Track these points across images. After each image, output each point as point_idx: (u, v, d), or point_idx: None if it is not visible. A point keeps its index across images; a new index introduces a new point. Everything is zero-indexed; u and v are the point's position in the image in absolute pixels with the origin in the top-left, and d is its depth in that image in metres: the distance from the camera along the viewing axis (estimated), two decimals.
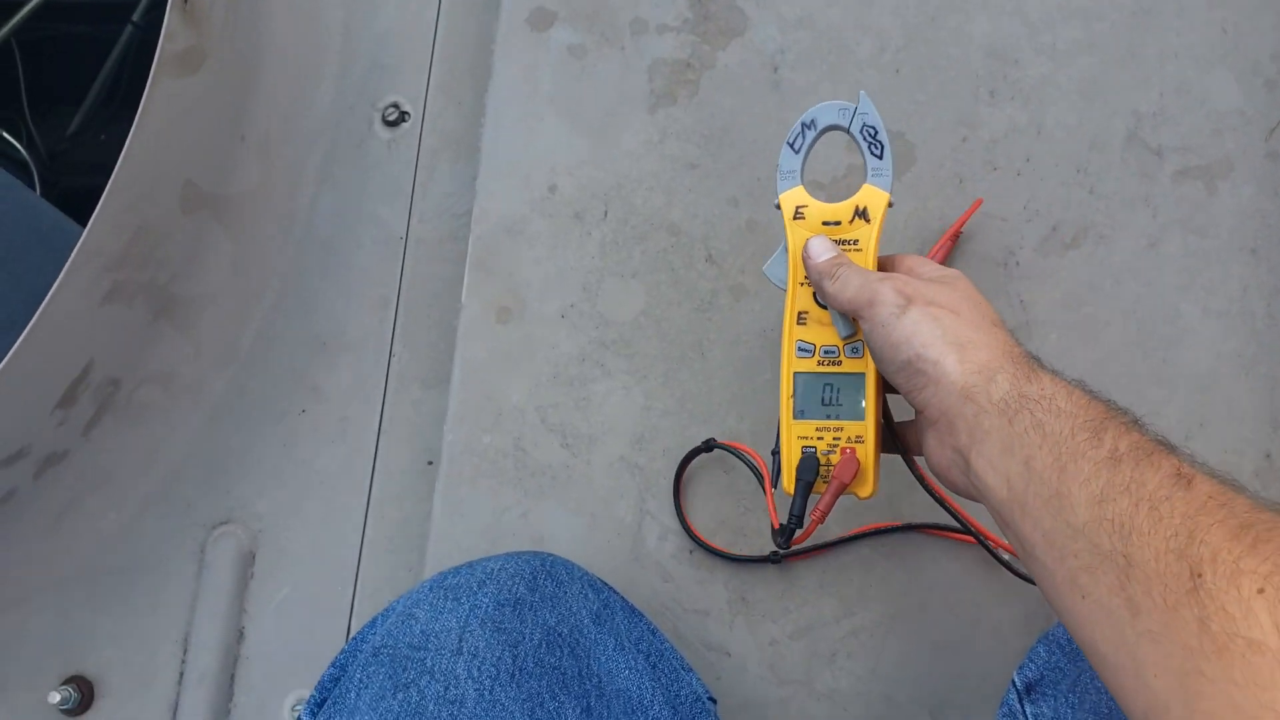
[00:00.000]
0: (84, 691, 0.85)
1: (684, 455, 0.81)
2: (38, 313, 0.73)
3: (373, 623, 0.67)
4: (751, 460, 0.78)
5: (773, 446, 0.68)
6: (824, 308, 0.66)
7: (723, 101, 0.88)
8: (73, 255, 0.74)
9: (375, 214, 0.92)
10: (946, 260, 0.83)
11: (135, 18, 1.33)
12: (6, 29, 1.29)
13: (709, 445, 0.81)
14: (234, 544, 0.87)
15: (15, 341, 0.80)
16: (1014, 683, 0.65)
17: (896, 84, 0.88)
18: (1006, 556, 0.76)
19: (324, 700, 0.63)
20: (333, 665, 0.66)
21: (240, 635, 0.85)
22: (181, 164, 0.83)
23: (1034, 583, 0.57)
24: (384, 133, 0.94)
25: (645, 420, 0.83)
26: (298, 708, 0.83)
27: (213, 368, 0.90)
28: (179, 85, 0.80)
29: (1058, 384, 0.52)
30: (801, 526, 0.65)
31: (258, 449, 0.89)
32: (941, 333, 0.56)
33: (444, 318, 0.89)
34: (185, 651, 0.85)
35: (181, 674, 0.85)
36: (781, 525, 0.66)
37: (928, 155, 0.86)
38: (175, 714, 0.84)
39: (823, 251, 0.64)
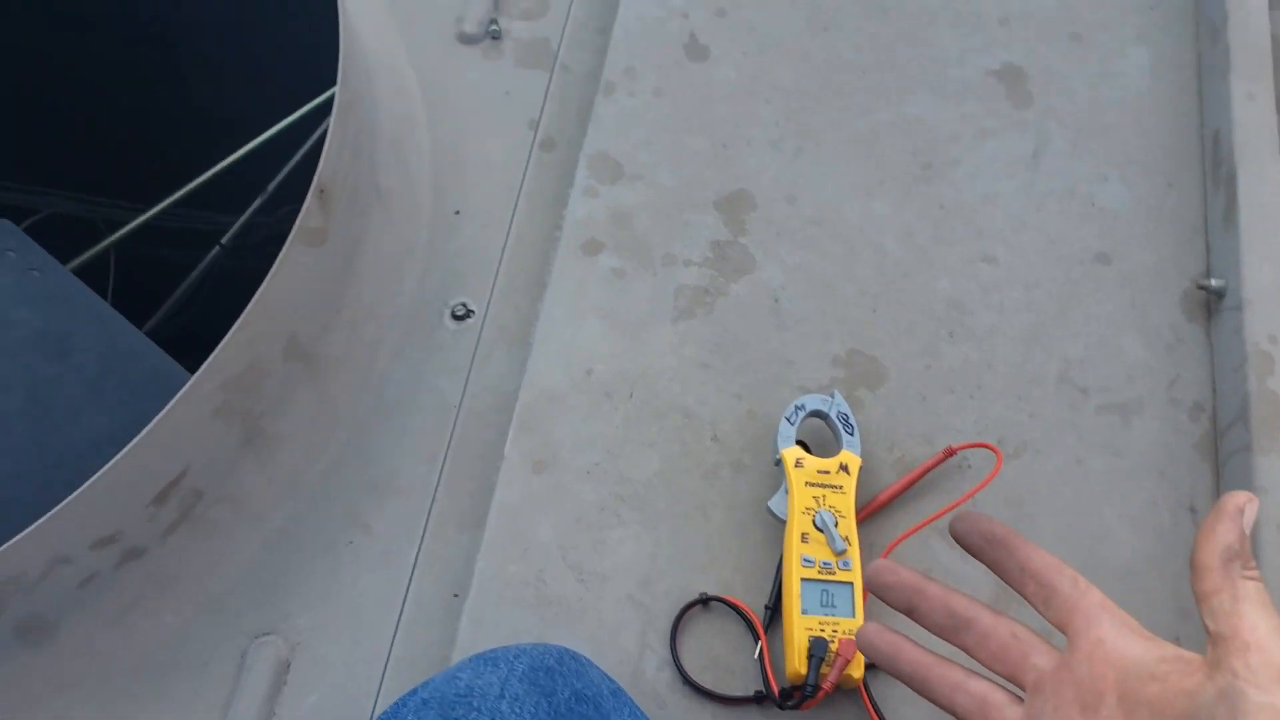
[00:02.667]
0: None
1: (684, 604, 0.94)
2: (165, 409, 0.88)
3: (416, 688, 0.78)
4: (746, 615, 0.93)
5: (767, 601, 0.92)
6: (820, 530, 0.91)
7: (732, 320, 1.09)
8: (201, 369, 0.90)
9: (436, 385, 1.10)
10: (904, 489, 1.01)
11: (224, 240, 1.56)
12: (107, 242, 1.51)
13: (705, 599, 0.95)
14: (272, 652, 0.97)
15: (113, 451, 0.96)
16: None
17: (873, 319, 1.09)
18: None
19: None
20: (381, 717, 0.76)
21: None
22: (292, 319, 1.01)
23: None
24: (451, 324, 1.13)
25: (652, 565, 0.97)
26: None
27: (279, 497, 1.04)
28: (305, 254, 0.99)
29: None
30: (814, 694, 0.86)
31: (306, 572, 1.01)
32: None
33: (484, 472, 1.04)
34: None
35: None
36: (787, 689, 0.88)
37: (897, 376, 1.06)
38: None
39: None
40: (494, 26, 1.29)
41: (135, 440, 0.87)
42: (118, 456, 0.85)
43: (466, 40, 1.29)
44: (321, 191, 1.00)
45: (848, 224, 1.14)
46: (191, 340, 1.21)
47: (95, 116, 1.55)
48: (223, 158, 1.49)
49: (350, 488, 1.05)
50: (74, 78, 1.55)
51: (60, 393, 1.00)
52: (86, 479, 0.95)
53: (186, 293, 1.55)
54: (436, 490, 1.05)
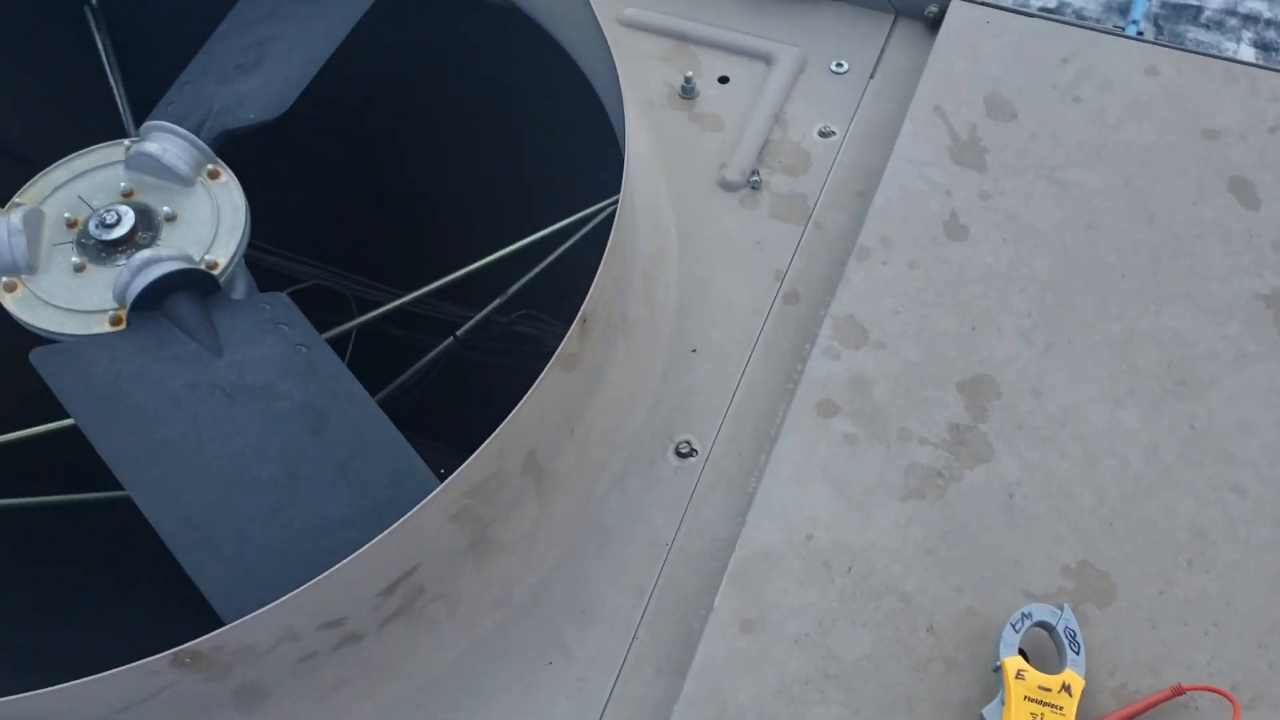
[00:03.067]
0: None
1: None
2: (415, 509, 0.92)
3: None
4: None
5: None
6: None
7: (962, 509, 1.07)
8: (452, 476, 0.94)
9: (651, 519, 1.11)
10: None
11: (459, 333, 1.63)
12: (360, 320, 1.59)
13: None
14: None
15: (351, 534, 1.00)
16: None
17: (1109, 533, 1.05)
18: None
19: None
20: None
21: None
22: (536, 435, 1.05)
23: None
24: (674, 460, 1.15)
25: None
26: None
27: (491, 604, 1.07)
28: (560, 378, 1.03)
29: None
30: None
31: (504, 685, 1.03)
32: None
33: (688, 617, 1.05)
34: None
35: None
36: None
37: (1128, 597, 1.02)
38: None
39: None
40: (755, 177, 1.33)
41: (382, 535, 0.91)
42: (365, 548, 0.89)
43: (727, 186, 1.33)
44: (584, 320, 1.05)
45: (1092, 429, 1.11)
46: (413, 418, 1.26)
47: (363, 203, 1.67)
48: (470, 255, 1.56)
49: (558, 606, 1.07)
50: (350, 166, 1.67)
51: (311, 468, 1.06)
52: (324, 557, 0.99)
53: (416, 374, 1.62)
54: (639, 626, 1.05)
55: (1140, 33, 3.48)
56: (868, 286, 1.21)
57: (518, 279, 1.57)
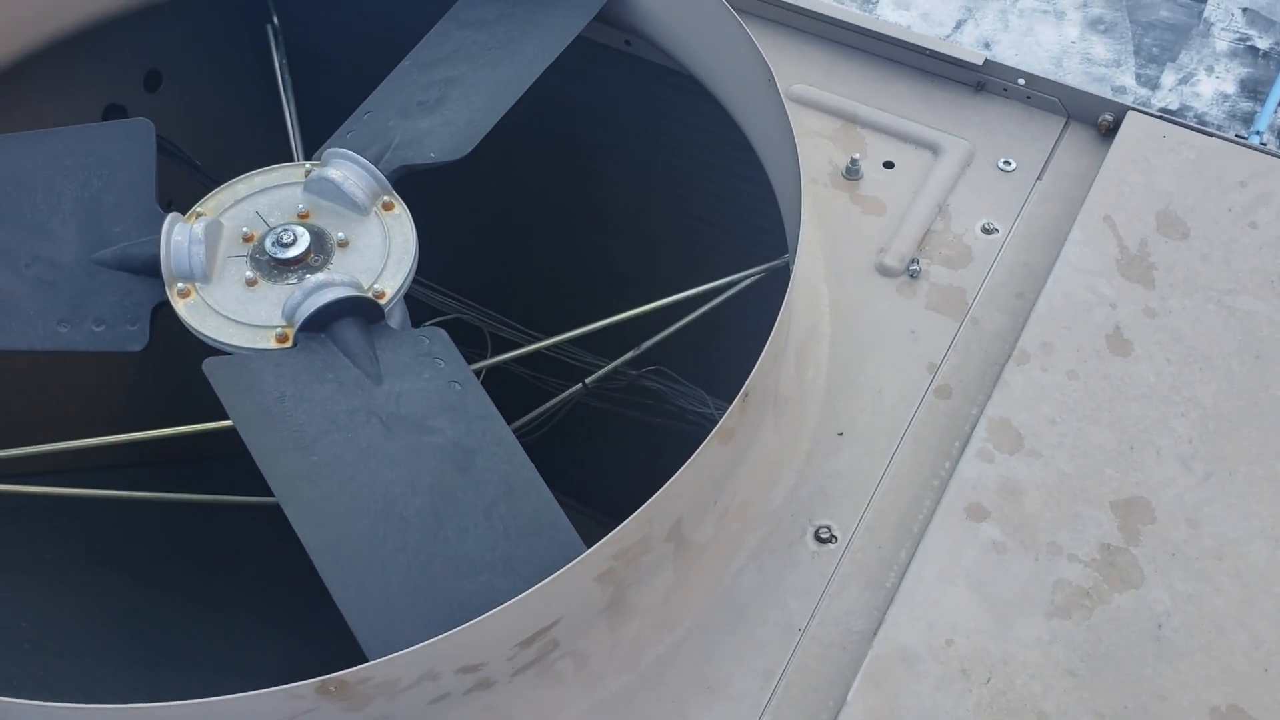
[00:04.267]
0: None
1: None
2: (567, 567, 0.92)
3: None
4: None
5: None
6: None
7: (1109, 633, 1.04)
8: (605, 539, 0.94)
9: (785, 602, 1.10)
10: None
11: (589, 381, 1.64)
12: (491, 361, 1.61)
13: None
14: None
15: (490, 579, 1.01)
16: None
17: (1264, 680, 1.02)
18: None
19: None
20: None
21: None
22: (683, 504, 1.05)
23: None
24: (812, 544, 1.14)
25: None
26: None
27: (618, 667, 1.06)
28: (717, 451, 1.03)
29: None
30: None
31: None
32: None
33: (817, 709, 1.03)
34: None
35: None
36: None
37: None
38: None
39: None
40: (914, 265, 1.33)
41: (535, 588, 0.91)
42: (517, 600, 0.90)
43: (885, 272, 1.33)
44: (746, 395, 1.04)
45: (1250, 566, 1.08)
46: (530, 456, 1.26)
47: (510, 242, 1.69)
48: (608, 305, 1.58)
49: (684, 678, 1.06)
50: (504, 206, 1.69)
51: (457, 508, 1.07)
52: (462, 599, 1.00)
53: (542, 415, 1.63)
54: (764, 711, 1.04)
55: (1264, 143, 3.42)
56: (1025, 392, 1.19)
57: (653, 334, 1.58)
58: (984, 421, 1.17)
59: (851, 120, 1.47)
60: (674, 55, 1.52)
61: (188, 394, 1.25)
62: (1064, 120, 1.47)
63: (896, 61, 1.53)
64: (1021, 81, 1.47)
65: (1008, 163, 1.43)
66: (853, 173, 1.42)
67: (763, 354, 1.05)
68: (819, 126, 1.47)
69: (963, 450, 1.16)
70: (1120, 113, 1.41)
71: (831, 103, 1.49)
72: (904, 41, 1.50)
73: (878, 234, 1.37)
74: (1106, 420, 1.17)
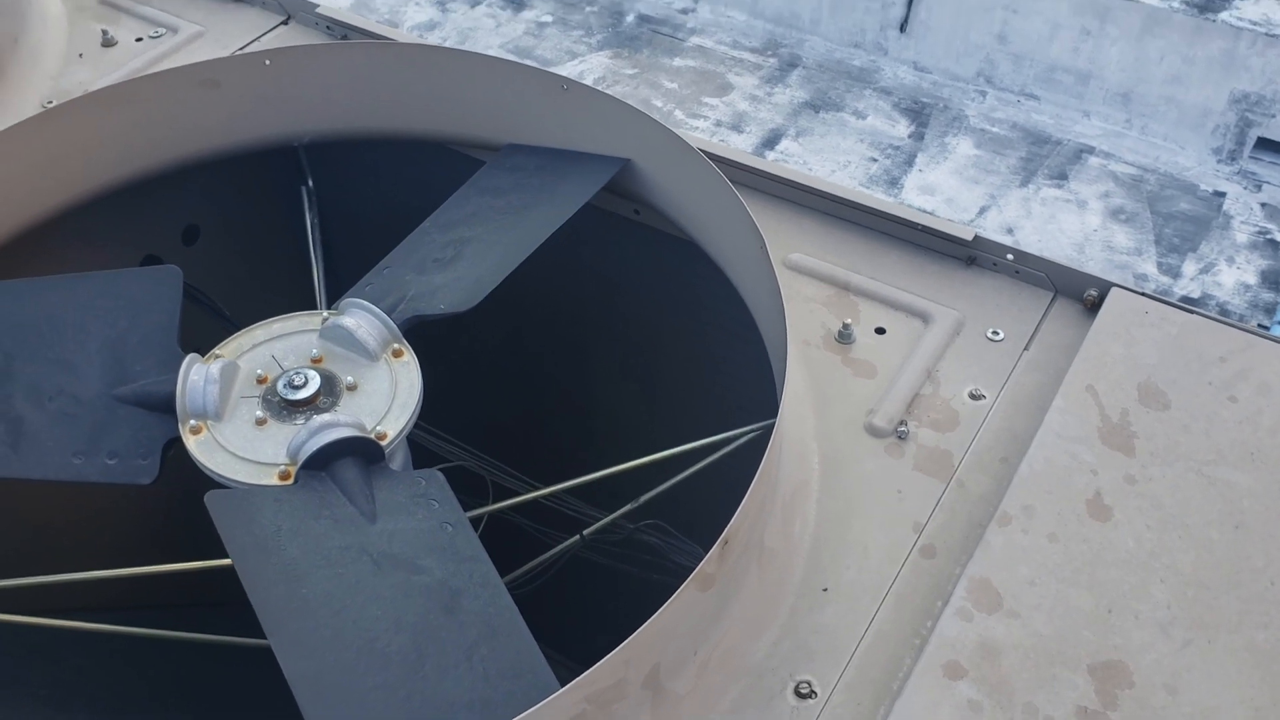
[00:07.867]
0: None
1: None
2: (540, 704, 0.93)
3: None
4: None
5: None
6: None
7: None
8: (577, 680, 0.96)
9: None
10: None
11: (586, 532, 1.67)
12: (489, 508, 1.65)
13: None
14: None
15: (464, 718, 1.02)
16: None
17: None
18: None
19: None
20: None
21: None
22: (659, 651, 1.06)
23: None
24: (792, 699, 1.14)
25: None
26: None
27: None
28: (694, 597, 1.05)
29: None
30: None
31: None
32: None
33: None
34: None
35: None
36: None
37: None
38: None
39: None
40: (903, 427, 1.37)
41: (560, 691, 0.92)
42: None
43: (874, 432, 1.37)
44: (726, 542, 1.07)
45: None
46: (522, 609, 1.28)
47: (512, 392, 1.75)
48: (606, 456, 1.62)
49: None
50: (507, 357, 1.76)
51: (439, 648, 1.09)
52: None
53: (538, 566, 1.65)
54: None
55: None
56: (1006, 553, 1.21)
57: (651, 487, 1.61)
58: (964, 580, 1.19)
59: (845, 288, 1.54)
60: (678, 224, 1.61)
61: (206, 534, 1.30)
62: (1051, 294, 1.53)
63: (891, 235, 1.61)
64: (1010, 257, 1.53)
65: (996, 333, 1.48)
66: (845, 337, 1.47)
67: (743, 503, 1.08)
68: (814, 293, 1.54)
69: (943, 609, 1.17)
70: (1105, 288, 1.47)
71: (827, 271, 1.56)
72: (897, 216, 1.58)
73: (868, 396, 1.41)
74: (1085, 583, 1.18)
